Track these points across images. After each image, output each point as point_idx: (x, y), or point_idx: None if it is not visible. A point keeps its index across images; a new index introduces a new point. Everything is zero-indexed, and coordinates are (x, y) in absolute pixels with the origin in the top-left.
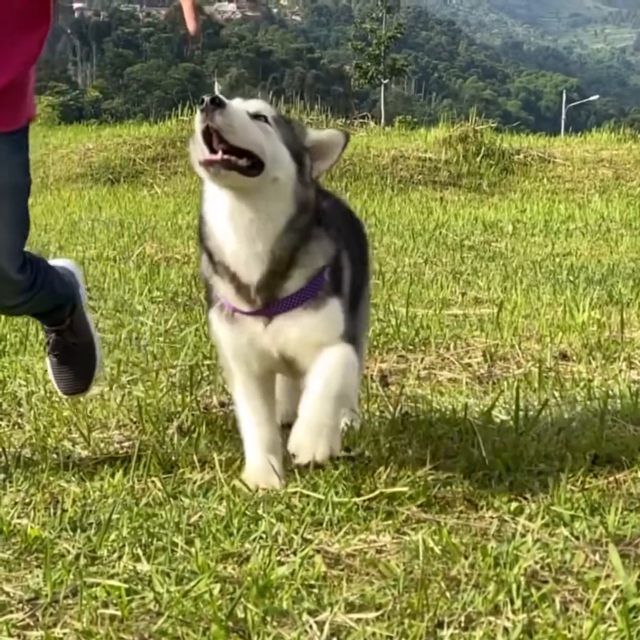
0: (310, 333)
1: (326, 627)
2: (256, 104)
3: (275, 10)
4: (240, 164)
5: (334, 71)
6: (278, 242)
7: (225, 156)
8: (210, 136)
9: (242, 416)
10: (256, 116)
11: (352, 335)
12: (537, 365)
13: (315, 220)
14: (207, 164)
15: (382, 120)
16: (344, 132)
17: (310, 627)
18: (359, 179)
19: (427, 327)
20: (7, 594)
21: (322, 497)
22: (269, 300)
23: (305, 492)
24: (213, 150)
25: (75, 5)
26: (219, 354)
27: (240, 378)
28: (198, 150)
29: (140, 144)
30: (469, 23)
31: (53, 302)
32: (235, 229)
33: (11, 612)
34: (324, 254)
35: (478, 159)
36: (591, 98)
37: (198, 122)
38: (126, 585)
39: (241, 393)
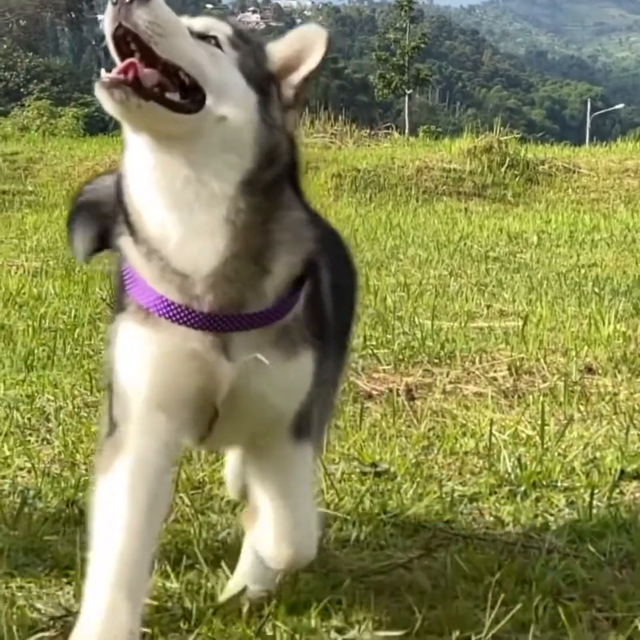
0: (278, 396)
1: None
2: (205, 21)
3: (299, 21)
4: (168, 94)
5: (357, 81)
6: (237, 206)
7: (145, 71)
8: (128, 50)
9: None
10: (202, 37)
11: (313, 413)
12: (563, 379)
13: (292, 181)
14: (110, 84)
15: (407, 131)
16: (320, 28)
17: None
18: (383, 190)
19: (453, 340)
20: (38, 611)
21: (347, 515)
22: (232, 307)
23: (331, 513)
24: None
25: (100, 16)
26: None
27: (134, 435)
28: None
29: None
30: (493, 32)
31: None
32: (164, 193)
33: (43, 629)
34: (308, 239)
35: (503, 170)
36: (616, 107)
37: (108, 22)
38: (156, 603)
39: (123, 465)
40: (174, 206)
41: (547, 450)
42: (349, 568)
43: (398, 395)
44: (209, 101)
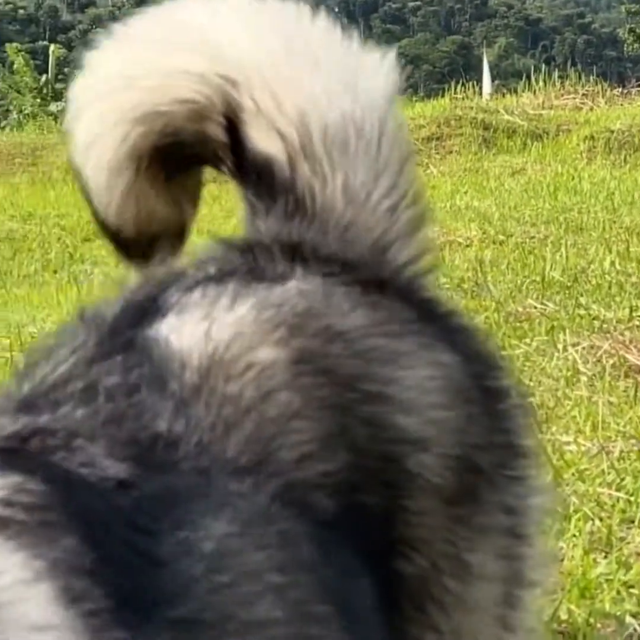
0: None
1: None
2: None
3: None
4: None
5: (605, 36)
6: None
7: None
8: None
9: None
10: None
11: None
12: None
13: None
14: None
15: None
16: None
17: (634, 630)
18: (638, 151)
19: None
20: None
21: (630, 495)
22: None
23: (614, 494)
24: None
25: None
26: None
27: None
28: None
29: (414, 123)
30: None
31: None
32: None
33: None
34: None
35: None
36: None
37: None
38: None
39: None
40: None
41: None
42: (637, 551)
43: None
44: None
